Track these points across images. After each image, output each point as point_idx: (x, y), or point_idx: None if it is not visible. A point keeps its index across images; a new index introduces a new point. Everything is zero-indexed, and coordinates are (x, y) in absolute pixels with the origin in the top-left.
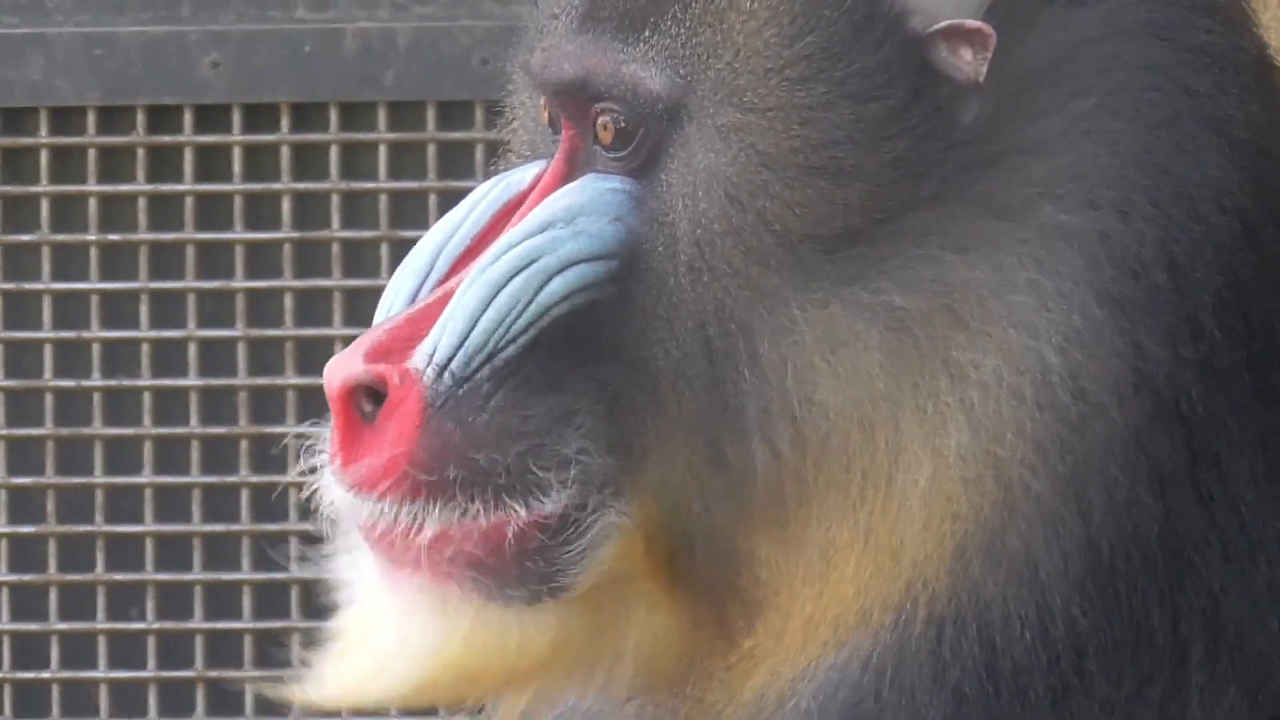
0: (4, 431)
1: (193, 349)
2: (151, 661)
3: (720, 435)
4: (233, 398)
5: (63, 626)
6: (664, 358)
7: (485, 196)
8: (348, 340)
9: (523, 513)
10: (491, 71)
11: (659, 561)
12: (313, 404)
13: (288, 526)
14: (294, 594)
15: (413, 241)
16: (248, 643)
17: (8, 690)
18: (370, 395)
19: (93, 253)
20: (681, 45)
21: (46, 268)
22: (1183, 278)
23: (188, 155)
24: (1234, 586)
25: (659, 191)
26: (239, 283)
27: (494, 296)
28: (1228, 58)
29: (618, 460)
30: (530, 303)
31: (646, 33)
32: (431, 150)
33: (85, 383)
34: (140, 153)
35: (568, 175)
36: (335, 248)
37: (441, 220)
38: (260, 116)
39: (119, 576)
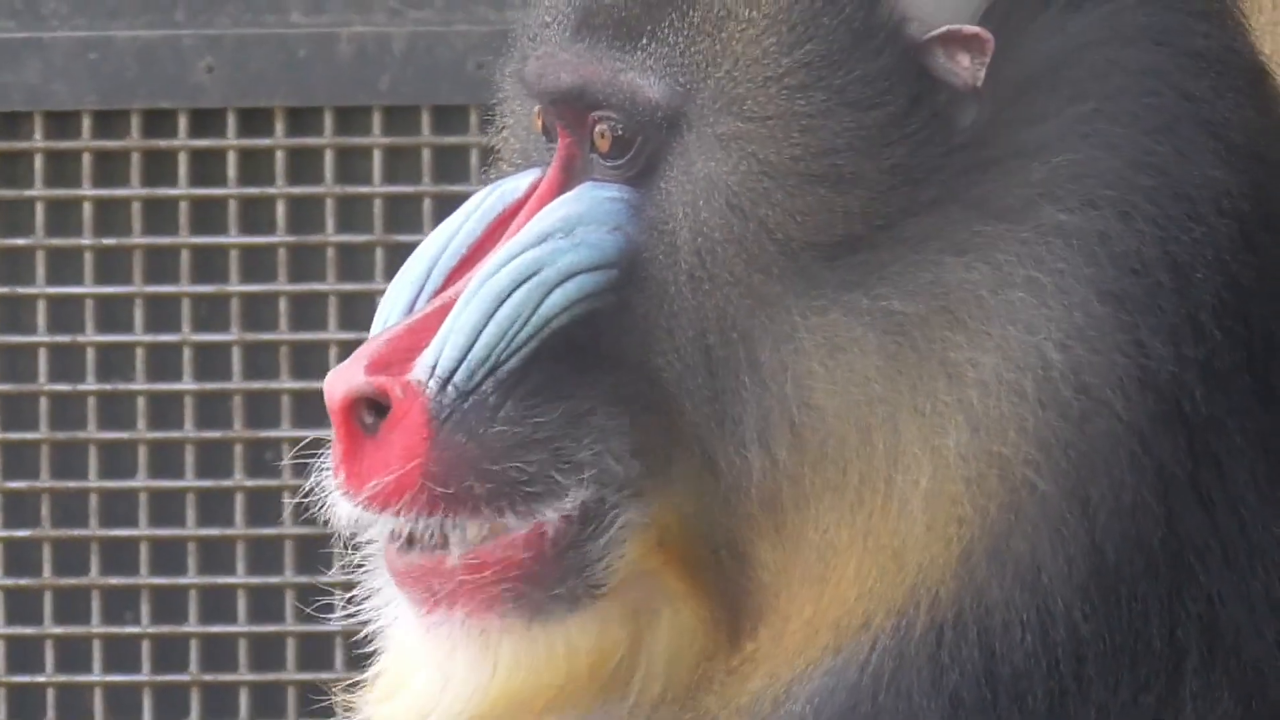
0: None
1: (187, 353)
2: (146, 665)
3: (720, 442)
4: (227, 402)
5: (58, 630)
6: (667, 368)
7: (480, 205)
8: (343, 345)
9: (552, 515)
10: (486, 76)
11: (681, 564)
12: (307, 408)
13: (283, 531)
14: (289, 598)
15: (407, 246)
16: (243, 647)
17: (3, 694)
18: (371, 407)
19: (88, 257)
20: (680, 53)
21: (41, 272)
22: (1184, 278)
23: (183, 160)
24: (1232, 593)
25: (658, 200)
26: (234, 287)
27: (496, 309)
28: (1224, 62)
29: (642, 464)
30: (532, 315)
31: (644, 41)
32: (426, 155)
33: (80, 387)
34: (135, 157)
35: (564, 184)
36: (330, 252)
37: (436, 229)
38: (255, 121)
39: (114, 581)
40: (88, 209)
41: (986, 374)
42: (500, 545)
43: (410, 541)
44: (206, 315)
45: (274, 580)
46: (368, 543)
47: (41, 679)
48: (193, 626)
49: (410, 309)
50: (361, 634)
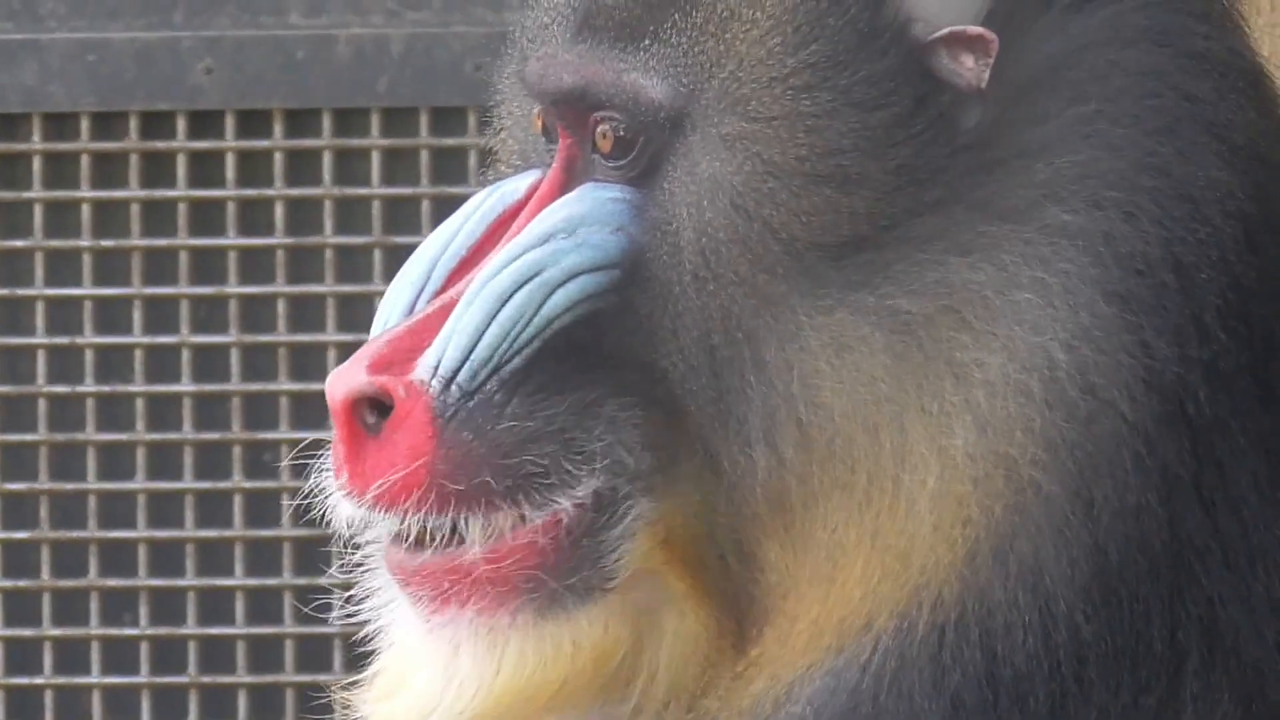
0: None
1: (186, 354)
2: (145, 667)
3: (725, 441)
4: (226, 403)
5: (56, 632)
6: (671, 368)
7: (480, 206)
8: (341, 346)
9: (567, 504)
10: (484, 78)
11: (684, 564)
12: (306, 410)
13: (281, 532)
14: (288, 599)
15: (406, 247)
16: (241, 648)
17: (2, 696)
18: (373, 407)
19: (86, 258)
20: (683, 54)
21: (40, 273)
22: (1188, 279)
23: (181, 161)
24: (1233, 595)
25: (661, 200)
26: (232, 288)
27: (498, 310)
28: (1226, 64)
29: (654, 457)
30: (535, 315)
31: (647, 41)
32: (425, 156)
33: (79, 388)
34: (134, 159)
35: (565, 185)
36: (329, 253)
37: (436, 231)
38: (254, 123)
39: (112, 582)
40: (86, 211)
41: (993, 374)
42: (520, 534)
43: (419, 542)
44: (205, 317)
45: (272, 582)
46: (367, 543)
47: (40, 681)
48: (191, 628)
49: (411, 310)
50: (360, 635)
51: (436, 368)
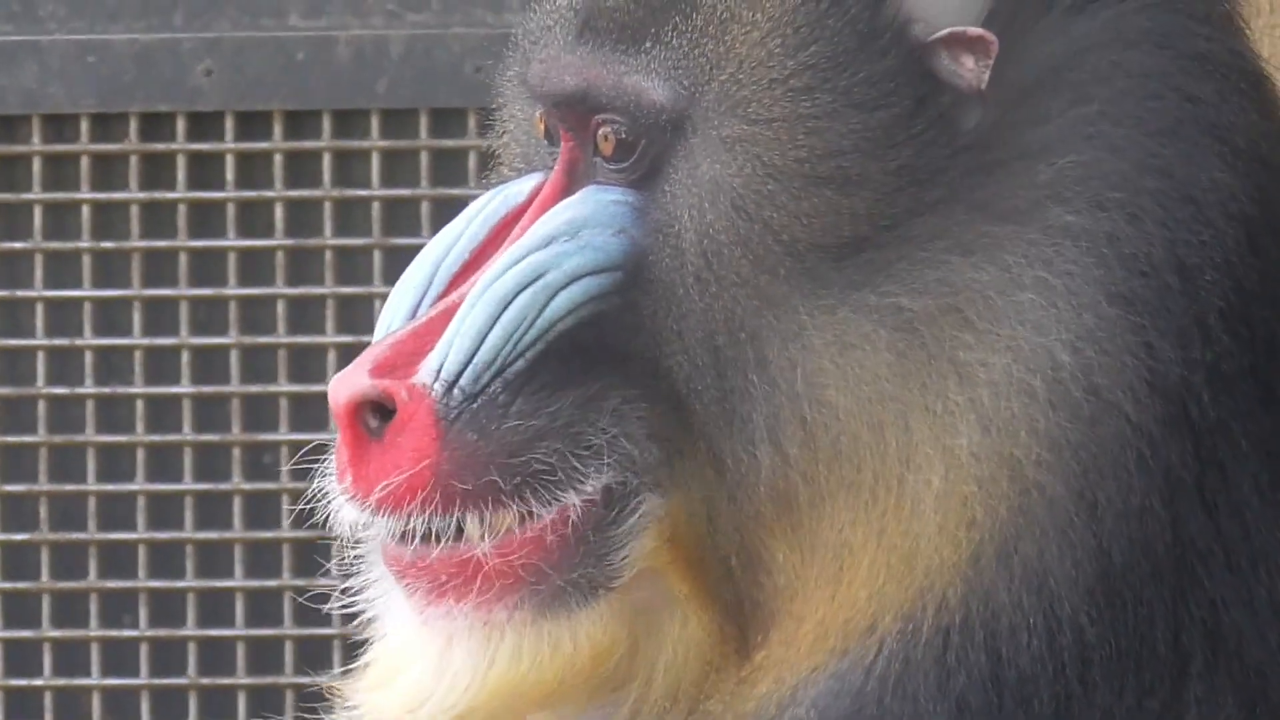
0: None
1: (186, 356)
2: (144, 669)
3: (730, 441)
4: (226, 405)
5: (56, 634)
6: (676, 369)
7: (482, 209)
8: (341, 348)
9: (576, 500)
10: (484, 79)
11: (688, 566)
12: (305, 412)
13: (281, 534)
14: (287, 601)
15: (406, 249)
16: (241, 650)
17: (1, 697)
18: (376, 411)
19: (86, 260)
20: (684, 56)
21: (39, 275)
22: (1192, 281)
23: (181, 163)
24: (1236, 597)
25: (662, 203)
26: (232, 290)
27: (501, 312)
28: (1227, 66)
29: (659, 449)
30: (538, 318)
31: (648, 44)
32: (424, 158)
33: (78, 390)
34: (133, 160)
35: (567, 187)
36: (328, 255)
37: (439, 234)
38: (253, 124)
39: (112, 584)
40: (86, 212)
41: (997, 374)
42: (527, 529)
43: (425, 540)
44: (204, 318)
45: (272, 584)
46: (367, 539)
47: (39, 682)
48: (191, 630)
49: (414, 313)
50: (359, 636)
51: (439, 371)
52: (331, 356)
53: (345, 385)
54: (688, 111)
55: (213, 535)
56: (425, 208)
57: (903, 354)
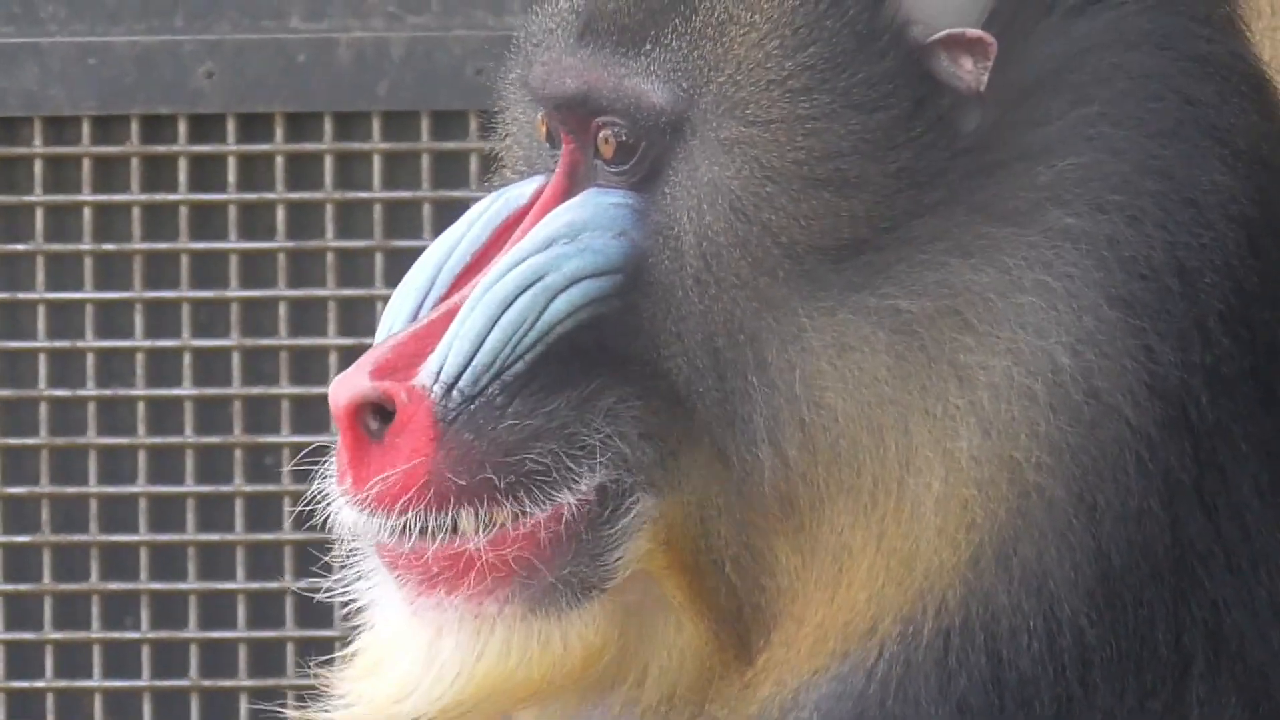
0: None
1: (187, 358)
2: (146, 671)
3: (731, 441)
4: (227, 407)
5: (57, 636)
6: (676, 370)
7: (484, 212)
8: (342, 350)
9: (570, 499)
10: (485, 81)
11: (687, 571)
12: (307, 413)
13: (282, 536)
14: (289, 603)
15: (407, 251)
16: (242, 652)
17: (3, 700)
18: (376, 413)
19: (87, 262)
20: (683, 58)
21: (41, 277)
22: (1192, 283)
23: (182, 165)
24: (1237, 598)
25: (662, 205)
26: (233, 292)
27: (500, 314)
28: (1228, 68)
29: (653, 449)
30: (537, 320)
31: (648, 46)
32: (426, 160)
33: (80, 392)
34: (135, 162)
35: (568, 190)
36: (330, 257)
37: (441, 236)
38: (255, 126)
39: (113, 586)
40: (87, 214)
41: (997, 377)
42: (521, 525)
43: (419, 536)
44: (206, 320)
45: (273, 586)
46: (365, 535)
47: (41, 684)
48: (192, 632)
49: (415, 315)
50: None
51: (439, 373)
52: (333, 359)
53: (346, 387)
54: (687, 114)
55: (214, 537)
56: (426, 210)
57: (902, 356)
